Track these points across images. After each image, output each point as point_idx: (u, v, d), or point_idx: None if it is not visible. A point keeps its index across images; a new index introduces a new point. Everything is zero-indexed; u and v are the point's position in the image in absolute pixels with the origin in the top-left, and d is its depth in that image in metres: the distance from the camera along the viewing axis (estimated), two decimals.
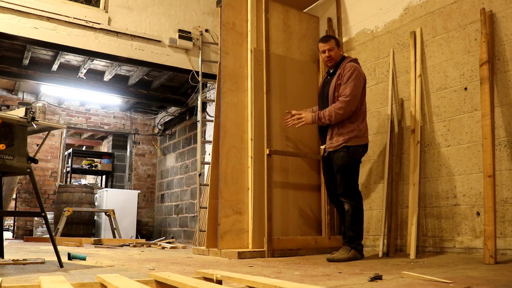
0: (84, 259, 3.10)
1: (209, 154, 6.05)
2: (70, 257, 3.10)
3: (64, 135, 8.46)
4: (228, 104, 3.84)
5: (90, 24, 5.27)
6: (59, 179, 8.19)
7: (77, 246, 5.27)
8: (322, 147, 3.36)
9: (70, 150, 8.87)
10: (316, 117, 3.25)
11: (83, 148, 11.15)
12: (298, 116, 3.33)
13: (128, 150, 9.17)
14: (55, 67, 6.33)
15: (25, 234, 7.56)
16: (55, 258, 2.68)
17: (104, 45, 5.37)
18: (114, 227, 6.70)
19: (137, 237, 7.83)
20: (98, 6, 5.47)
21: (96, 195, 7.95)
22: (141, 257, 3.53)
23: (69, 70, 6.70)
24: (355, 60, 3.36)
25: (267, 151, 3.71)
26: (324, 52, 3.36)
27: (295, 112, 3.37)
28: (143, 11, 5.73)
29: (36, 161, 2.66)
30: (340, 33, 4.49)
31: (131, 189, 8.76)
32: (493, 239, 2.71)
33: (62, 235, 6.34)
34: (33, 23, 4.96)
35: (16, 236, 7.68)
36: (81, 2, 5.37)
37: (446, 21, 3.53)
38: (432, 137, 3.54)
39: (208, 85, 6.87)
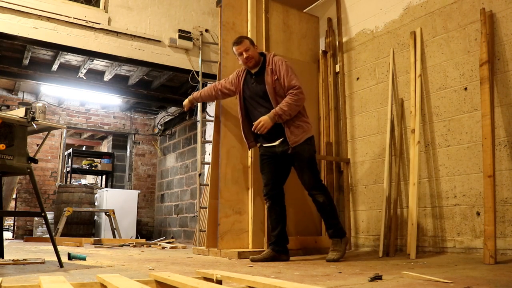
0: (84, 259, 3.10)
1: (209, 154, 6.05)
2: (70, 257, 3.10)
3: (64, 135, 8.46)
4: (228, 104, 3.83)
5: (90, 24, 5.27)
6: (59, 179, 8.19)
7: (77, 246, 5.27)
8: (277, 142, 3.23)
9: (70, 150, 8.87)
10: (275, 116, 3.11)
11: (83, 148, 11.15)
12: (258, 125, 3.18)
13: (128, 150, 9.17)
14: (55, 67, 6.33)
15: (25, 234, 7.57)
16: (55, 258, 2.68)
17: (104, 45, 5.36)
18: (114, 227, 6.70)
19: (137, 237, 7.83)
20: (98, 6, 5.47)
21: (96, 195, 7.95)
22: (141, 257, 3.53)
23: (69, 70, 6.70)
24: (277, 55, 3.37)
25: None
26: (241, 54, 3.29)
27: (255, 125, 3.21)
28: (143, 11, 5.73)
29: (36, 161, 2.66)
30: (340, 33, 4.49)
31: (131, 189, 8.77)
32: (493, 239, 2.71)
33: (62, 235, 6.34)
34: (33, 23, 4.96)
35: (16, 236, 7.68)
36: (81, 2, 5.36)
37: (446, 21, 3.53)
38: (432, 137, 3.54)
39: (208, 85, 6.87)
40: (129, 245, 5.57)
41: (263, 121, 3.15)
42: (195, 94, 3.75)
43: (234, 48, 3.36)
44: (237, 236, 3.65)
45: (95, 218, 7.71)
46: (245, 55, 3.27)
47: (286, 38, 4.28)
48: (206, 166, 6.11)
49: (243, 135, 3.45)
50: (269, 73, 3.22)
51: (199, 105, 6.28)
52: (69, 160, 8.73)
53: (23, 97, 7.94)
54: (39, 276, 1.64)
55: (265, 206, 3.43)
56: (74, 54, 5.68)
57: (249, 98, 3.35)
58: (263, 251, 3.50)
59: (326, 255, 3.16)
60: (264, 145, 3.32)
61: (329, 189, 3.79)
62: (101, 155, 9.64)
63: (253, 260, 3.13)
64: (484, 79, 3.03)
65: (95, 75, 6.94)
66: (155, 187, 9.13)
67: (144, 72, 6.68)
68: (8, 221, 11.41)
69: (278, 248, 3.21)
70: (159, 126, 9.03)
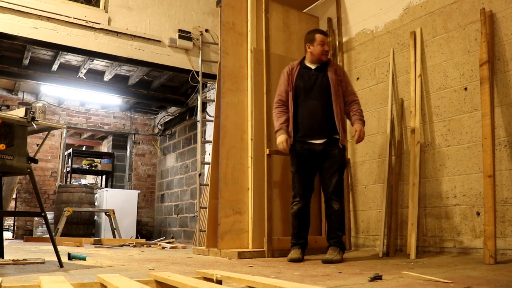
0: (84, 259, 3.10)
1: (209, 154, 6.05)
2: (70, 257, 3.10)
3: (64, 135, 8.46)
4: (228, 104, 3.84)
5: (90, 24, 5.27)
6: (59, 179, 8.19)
7: (77, 246, 5.26)
8: (320, 141, 3.21)
9: (70, 150, 8.87)
10: (363, 122, 3.29)
11: (83, 148, 11.15)
12: (362, 134, 3.23)
13: (128, 150, 9.17)
14: (55, 67, 6.33)
15: (25, 234, 7.56)
16: (55, 258, 2.68)
17: (104, 45, 5.37)
18: (114, 227, 6.70)
19: (137, 237, 7.83)
20: (98, 6, 5.47)
21: (96, 195, 7.95)
22: (141, 257, 3.53)
23: (69, 70, 6.70)
24: None
25: (267, 151, 3.70)
26: (323, 44, 3.34)
27: (360, 137, 3.23)
28: (143, 11, 5.73)
29: (36, 161, 2.66)
30: (340, 33, 4.49)
31: (131, 189, 8.76)
32: (493, 239, 2.71)
33: (62, 235, 6.34)
34: (33, 23, 4.96)
35: (16, 236, 7.68)
36: (81, 2, 5.37)
37: (446, 21, 3.53)
38: (432, 137, 3.54)
39: (208, 85, 6.87)
40: (129, 245, 5.57)
41: (362, 128, 3.24)
42: (283, 129, 3.28)
43: (320, 36, 3.37)
44: (237, 236, 3.65)
45: (95, 218, 7.71)
46: (326, 47, 3.38)
47: (286, 38, 4.28)
48: (206, 166, 6.11)
49: (287, 128, 3.29)
50: (333, 72, 3.33)
51: (199, 105, 6.29)
52: (69, 160, 8.73)
53: (23, 97, 7.93)
54: (39, 276, 1.64)
55: (294, 208, 3.25)
56: (74, 54, 5.68)
57: (302, 90, 3.32)
58: (263, 251, 3.51)
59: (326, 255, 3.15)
60: (309, 141, 3.24)
61: None
62: (101, 155, 9.64)
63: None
64: (484, 79, 3.03)
65: (95, 75, 6.94)
66: (155, 187, 9.12)
67: (144, 72, 6.68)
68: (8, 221, 11.41)
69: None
70: (159, 126, 9.02)
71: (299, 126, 3.28)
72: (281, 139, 3.24)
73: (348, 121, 3.51)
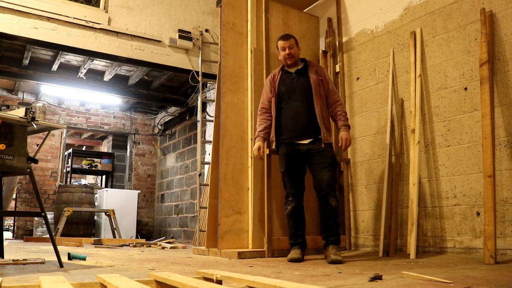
0: (84, 259, 3.10)
1: (209, 154, 6.05)
2: (70, 257, 3.10)
3: (64, 135, 8.46)
4: (228, 104, 3.84)
5: (90, 24, 5.27)
6: (59, 179, 8.19)
7: (77, 246, 5.27)
8: (305, 142, 3.26)
9: (70, 150, 8.87)
10: (348, 127, 3.32)
11: (83, 148, 11.15)
12: (347, 142, 3.28)
13: (128, 150, 9.17)
14: (55, 67, 6.33)
15: (25, 234, 7.57)
16: (55, 258, 2.68)
17: (104, 45, 5.37)
18: (114, 227, 6.71)
19: (137, 237, 7.83)
20: (98, 6, 5.47)
21: (96, 195, 7.95)
22: (141, 257, 3.53)
23: (69, 70, 6.70)
24: None
25: (267, 151, 3.70)
26: (284, 49, 3.42)
27: (346, 145, 3.28)
28: (143, 11, 5.73)
29: (36, 161, 2.66)
30: (340, 33, 4.49)
31: (131, 189, 8.77)
32: (493, 239, 2.71)
33: (62, 235, 6.34)
34: (33, 23, 4.96)
35: (16, 236, 7.68)
36: (81, 2, 5.37)
37: (446, 21, 3.53)
38: (432, 137, 3.54)
39: (208, 85, 6.87)
40: (129, 245, 5.57)
41: (347, 136, 3.28)
42: (260, 136, 3.40)
43: (280, 42, 3.46)
44: (237, 236, 3.65)
45: (95, 218, 7.71)
46: (287, 51, 3.41)
47: None
48: (206, 166, 6.11)
49: (265, 136, 3.40)
50: (313, 72, 3.39)
51: (199, 105, 6.29)
52: (69, 160, 8.73)
53: (23, 97, 7.94)
54: (39, 276, 1.64)
55: (288, 208, 3.28)
56: (74, 54, 5.68)
57: (285, 94, 3.38)
58: (263, 251, 3.51)
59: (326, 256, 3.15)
60: (295, 141, 3.29)
61: None
62: (101, 155, 9.64)
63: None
64: (484, 79, 3.03)
65: (95, 75, 6.94)
66: (155, 187, 9.13)
67: (144, 72, 6.69)
68: (8, 221, 11.41)
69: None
70: (159, 126, 9.03)
71: (284, 128, 3.36)
72: (255, 146, 3.38)
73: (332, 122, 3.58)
